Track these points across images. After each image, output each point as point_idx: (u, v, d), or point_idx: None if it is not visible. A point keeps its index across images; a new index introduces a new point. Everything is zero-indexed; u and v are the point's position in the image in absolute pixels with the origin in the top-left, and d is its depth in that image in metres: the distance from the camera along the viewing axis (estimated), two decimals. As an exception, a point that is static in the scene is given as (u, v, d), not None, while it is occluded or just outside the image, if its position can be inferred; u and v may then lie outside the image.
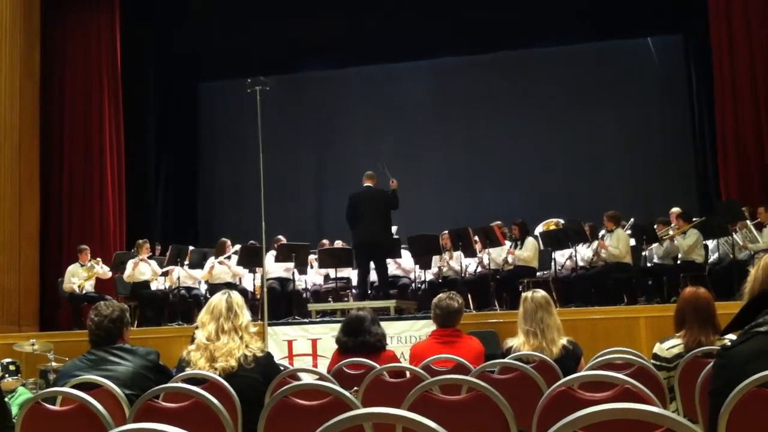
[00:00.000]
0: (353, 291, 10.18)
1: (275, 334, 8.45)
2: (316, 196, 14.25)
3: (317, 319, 9.05)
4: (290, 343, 8.44)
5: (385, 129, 13.84)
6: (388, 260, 10.05)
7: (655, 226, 9.54)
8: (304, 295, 10.47)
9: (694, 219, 9.36)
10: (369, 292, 9.43)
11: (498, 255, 9.79)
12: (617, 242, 9.23)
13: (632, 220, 10.13)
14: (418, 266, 10.22)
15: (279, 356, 7.84)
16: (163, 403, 3.02)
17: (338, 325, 4.71)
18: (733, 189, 10.36)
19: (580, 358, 4.17)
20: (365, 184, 9.16)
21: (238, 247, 10.05)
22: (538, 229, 10.76)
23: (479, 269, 9.99)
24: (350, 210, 9.10)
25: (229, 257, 10.20)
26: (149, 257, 10.39)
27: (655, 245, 9.55)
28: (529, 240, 9.71)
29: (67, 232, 11.91)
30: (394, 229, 10.02)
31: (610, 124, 13.01)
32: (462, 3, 12.33)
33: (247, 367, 3.47)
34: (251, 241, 9.72)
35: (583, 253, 9.75)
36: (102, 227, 11.85)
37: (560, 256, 9.95)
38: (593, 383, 2.95)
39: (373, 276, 9.53)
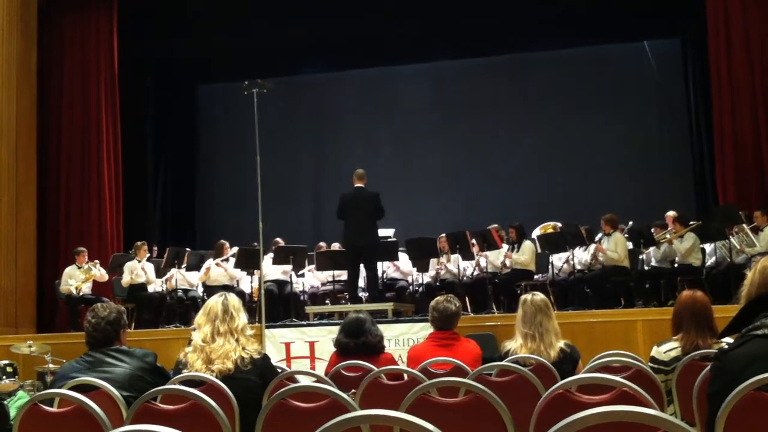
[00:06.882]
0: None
1: (273, 337, 8.46)
2: (313, 198, 14.24)
3: (315, 322, 9.04)
4: (288, 345, 8.44)
5: (383, 131, 13.86)
6: (387, 263, 10.05)
7: (652, 230, 9.55)
8: (302, 298, 10.46)
9: (690, 222, 9.38)
10: (359, 294, 9.40)
11: (495, 258, 9.79)
12: (615, 246, 9.23)
13: (631, 223, 10.13)
14: (415, 269, 10.22)
15: (276, 359, 7.83)
16: (161, 405, 3.02)
17: (336, 328, 4.70)
18: (731, 193, 10.36)
19: (578, 361, 4.17)
20: (356, 185, 9.11)
21: (236, 249, 10.04)
22: (536, 233, 10.75)
23: (477, 272, 9.98)
24: (339, 211, 9.11)
25: (226, 260, 10.19)
26: (147, 259, 10.38)
27: (652, 249, 9.56)
28: (527, 243, 9.71)
29: (64, 234, 11.88)
30: (391, 231, 9.98)
31: (608, 127, 13.01)
32: (460, 6, 12.33)
33: (244, 369, 3.47)
34: (254, 243, 9.68)
35: (580, 256, 9.75)
36: (99, 229, 11.80)
37: (557, 260, 9.95)
38: (591, 386, 2.95)
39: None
